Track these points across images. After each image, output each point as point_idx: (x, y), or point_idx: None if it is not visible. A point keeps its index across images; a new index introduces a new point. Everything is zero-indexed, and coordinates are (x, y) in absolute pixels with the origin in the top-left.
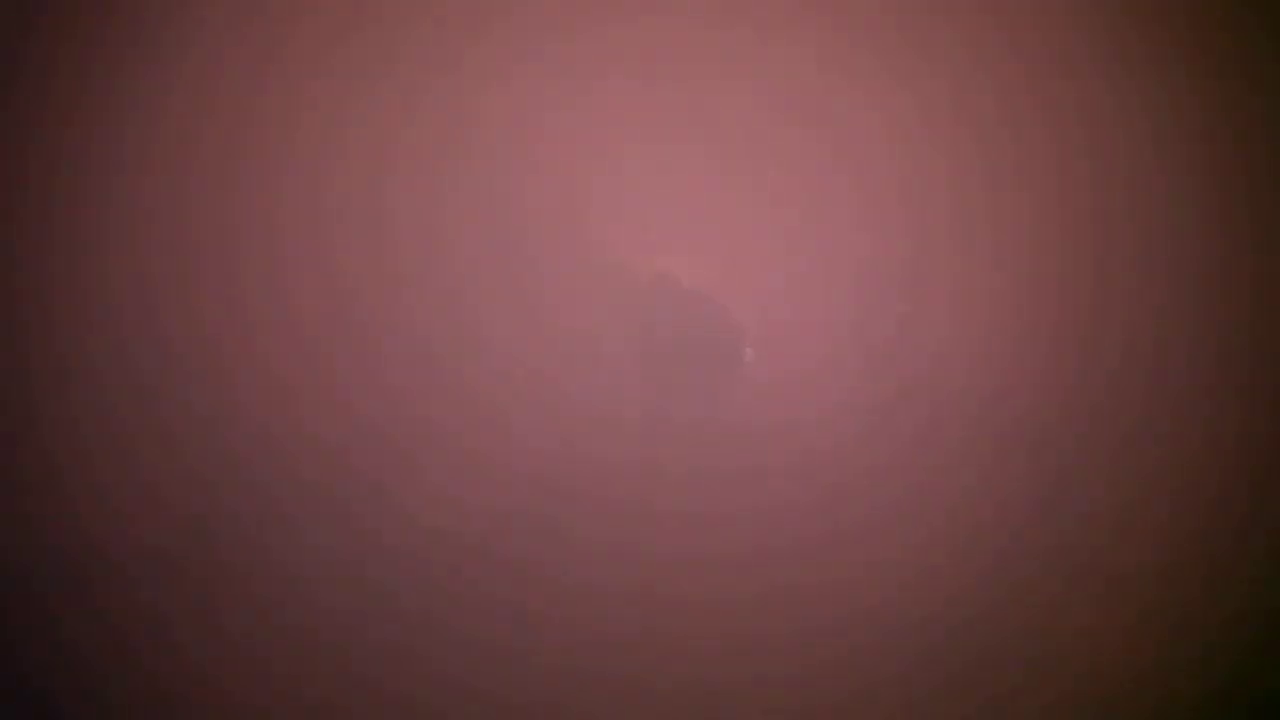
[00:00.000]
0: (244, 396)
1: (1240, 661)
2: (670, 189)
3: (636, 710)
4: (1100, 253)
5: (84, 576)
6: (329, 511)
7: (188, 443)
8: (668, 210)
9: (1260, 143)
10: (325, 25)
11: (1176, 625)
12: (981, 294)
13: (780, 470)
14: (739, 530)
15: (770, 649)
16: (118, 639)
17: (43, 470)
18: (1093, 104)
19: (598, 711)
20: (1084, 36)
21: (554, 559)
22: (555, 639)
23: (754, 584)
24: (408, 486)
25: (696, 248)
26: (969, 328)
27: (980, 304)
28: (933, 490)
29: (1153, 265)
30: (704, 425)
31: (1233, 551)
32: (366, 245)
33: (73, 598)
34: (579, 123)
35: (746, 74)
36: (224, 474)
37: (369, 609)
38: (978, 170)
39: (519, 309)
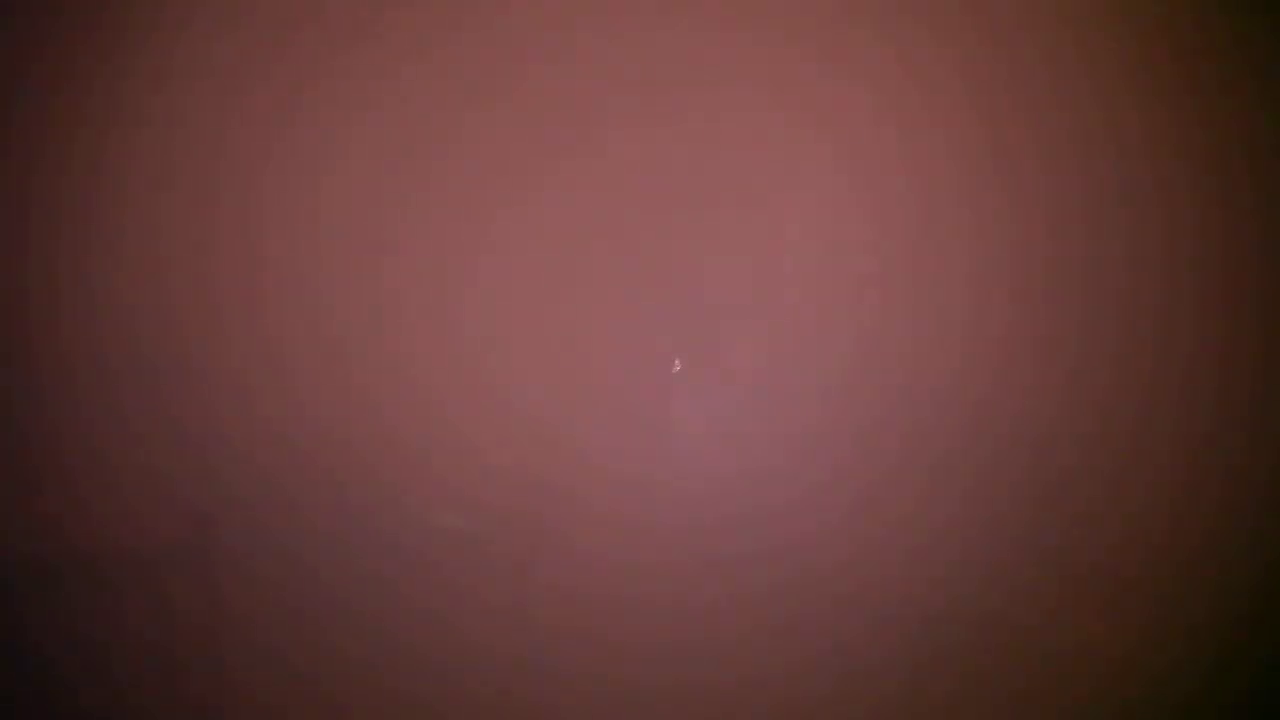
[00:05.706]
0: (254, 390)
1: (1246, 663)
2: (669, 195)
3: (635, 711)
4: (1098, 253)
5: (93, 568)
6: (338, 506)
7: (197, 436)
8: (665, 214)
9: (1263, 141)
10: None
11: (1183, 630)
12: (989, 295)
13: (779, 474)
14: (739, 534)
15: (767, 652)
16: (127, 630)
17: (51, 463)
18: (1088, 105)
19: (600, 712)
20: (1101, 37)
21: (559, 556)
22: (558, 637)
23: (752, 588)
24: (416, 482)
25: (694, 249)
26: (970, 328)
27: (985, 305)
28: (933, 493)
29: (1153, 264)
30: (702, 429)
31: (1239, 555)
32: (366, 242)
33: (81, 590)
34: (578, 119)
35: (746, 72)
36: (232, 468)
37: (375, 602)
38: (979, 171)
39: (520, 312)
